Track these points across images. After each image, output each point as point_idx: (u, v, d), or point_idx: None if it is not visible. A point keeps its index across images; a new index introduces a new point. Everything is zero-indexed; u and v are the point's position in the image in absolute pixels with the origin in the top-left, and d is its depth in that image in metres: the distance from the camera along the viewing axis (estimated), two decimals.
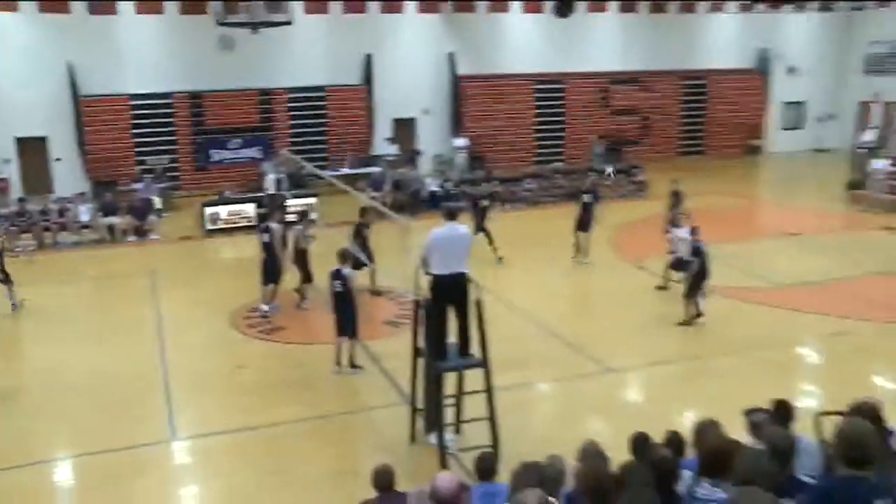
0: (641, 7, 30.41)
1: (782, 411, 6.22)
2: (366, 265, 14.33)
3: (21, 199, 21.71)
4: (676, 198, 16.71)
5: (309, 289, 14.54)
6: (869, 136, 26.81)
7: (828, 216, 21.89)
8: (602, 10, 29.59)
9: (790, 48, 32.84)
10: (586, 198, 17.17)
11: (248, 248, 19.76)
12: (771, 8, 27.35)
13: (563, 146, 30.13)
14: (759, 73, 32.72)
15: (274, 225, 14.21)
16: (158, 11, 25.39)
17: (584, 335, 13.08)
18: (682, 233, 14.07)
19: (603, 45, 30.28)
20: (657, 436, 6.01)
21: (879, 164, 22.17)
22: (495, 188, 21.71)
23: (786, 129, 33.81)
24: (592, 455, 5.53)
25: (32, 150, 24.90)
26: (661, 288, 15.06)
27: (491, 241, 17.07)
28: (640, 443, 5.90)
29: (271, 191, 21.42)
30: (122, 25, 25.16)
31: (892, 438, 5.52)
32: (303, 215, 15.28)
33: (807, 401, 10.06)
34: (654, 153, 30.13)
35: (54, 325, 14.10)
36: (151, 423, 10.27)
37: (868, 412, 5.31)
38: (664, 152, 30.98)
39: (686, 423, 6.24)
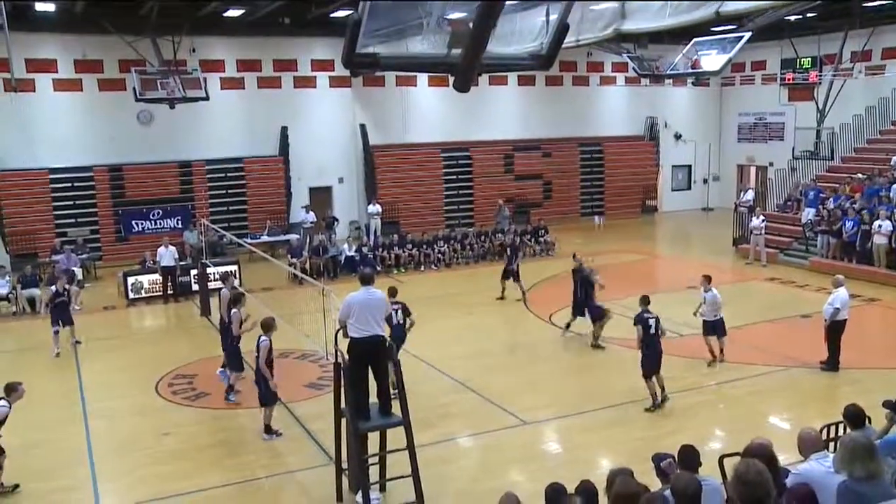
0: (538, 80, 32.62)
1: (688, 456, 6.41)
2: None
3: None
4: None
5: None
6: (748, 195, 29.22)
7: (717, 269, 23.64)
8: (502, 82, 31.60)
9: (675, 117, 35.76)
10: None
11: (172, 316, 20.60)
12: (654, 82, 29.84)
13: (472, 209, 31.66)
14: (649, 140, 35.36)
15: (224, 291, 14.43)
16: (77, 88, 26.18)
17: (500, 389, 13.44)
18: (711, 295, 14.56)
19: (505, 115, 32.18)
20: (573, 485, 6.14)
21: (756, 221, 24.26)
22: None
23: (675, 190, 36.52)
24: None
25: None
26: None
27: None
28: (553, 493, 6.06)
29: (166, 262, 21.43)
30: (40, 102, 25.68)
31: (786, 477, 5.78)
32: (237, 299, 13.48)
33: (711, 443, 10.99)
34: (558, 215, 32.00)
35: None
36: (77, 493, 10.27)
37: (761, 453, 5.48)
38: (567, 214, 32.97)
39: (602, 471, 6.60)
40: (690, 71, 23.38)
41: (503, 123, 32.15)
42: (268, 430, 11.80)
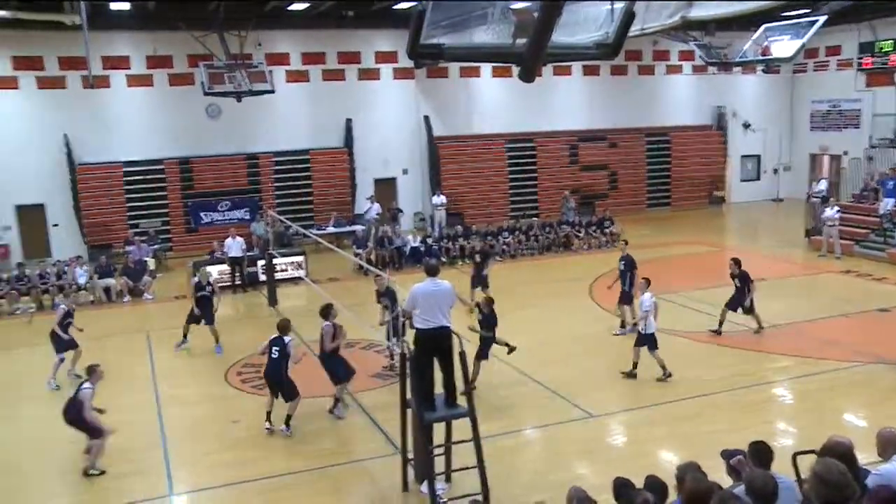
0: (602, 69, 32.24)
1: (760, 452, 6.06)
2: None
3: (20, 264, 22.62)
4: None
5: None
6: (821, 185, 28.39)
7: (788, 261, 23.06)
8: (566, 73, 31.35)
9: (744, 106, 34.86)
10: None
11: (241, 306, 20.96)
12: (722, 70, 29.18)
13: (536, 201, 31.52)
14: (717, 129, 34.59)
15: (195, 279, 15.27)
16: (148, 84, 26.91)
17: (565, 381, 13.32)
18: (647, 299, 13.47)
19: (570, 105, 31.91)
20: (640, 479, 6.08)
21: (830, 211, 23.55)
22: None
23: (744, 180, 35.61)
24: (580, 500, 5.64)
25: (31, 216, 26.10)
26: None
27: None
28: (621, 488, 5.93)
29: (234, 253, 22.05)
30: (114, 97, 26.53)
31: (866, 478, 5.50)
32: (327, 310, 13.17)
33: (782, 440, 10.67)
34: (623, 206, 31.62)
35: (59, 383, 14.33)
36: (150, 478, 10.57)
37: (840, 452, 5.28)
38: (633, 205, 32.55)
39: (668, 466, 6.63)
40: (760, 58, 22.79)
41: (568, 114, 31.90)
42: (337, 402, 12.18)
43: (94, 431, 10.93)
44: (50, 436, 11.75)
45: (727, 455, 6.26)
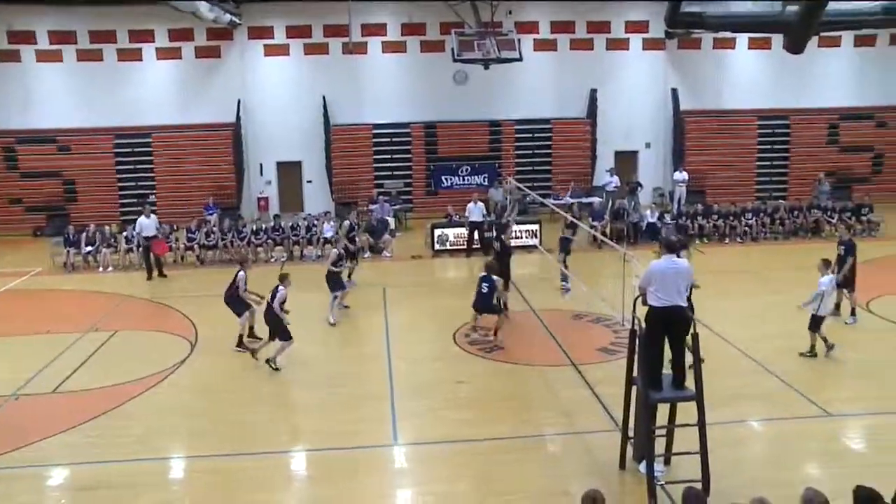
0: (879, 40, 29.34)
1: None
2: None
3: (276, 216, 24.50)
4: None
5: None
6: None
7: None
8: (834, 44, 28.83)
9: None
10: None
11: (475, 269, 21.40)
12: None
13: (786, 182, 29.57)
14: None
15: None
16: (402, 50, 28.21)
17: (801, 374, 12.52)
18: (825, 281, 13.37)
19: (834, 80, 29.47)
20: (886, 492, 5.66)
21: None
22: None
23: None
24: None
25: (289, 172, 28.44)
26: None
27: None
28: (867, 499, 5.45)
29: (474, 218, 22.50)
30: (369, 63, 28.09)
31: None
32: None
33: None
34: (887, 192, 28.82)
35: (303, 328, 14.61)
36: (377, 426, 11.04)
37: None
38: None
39: None
40: None
41: (831, 90, 29.48)
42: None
43: (284, 333, 13.01)
44: (287, 377, 12.82)
45: None
